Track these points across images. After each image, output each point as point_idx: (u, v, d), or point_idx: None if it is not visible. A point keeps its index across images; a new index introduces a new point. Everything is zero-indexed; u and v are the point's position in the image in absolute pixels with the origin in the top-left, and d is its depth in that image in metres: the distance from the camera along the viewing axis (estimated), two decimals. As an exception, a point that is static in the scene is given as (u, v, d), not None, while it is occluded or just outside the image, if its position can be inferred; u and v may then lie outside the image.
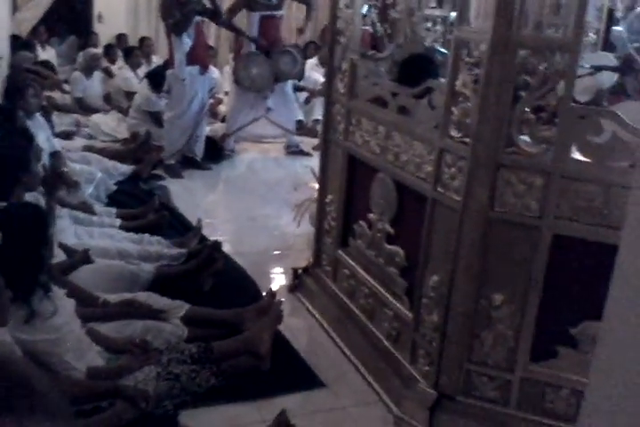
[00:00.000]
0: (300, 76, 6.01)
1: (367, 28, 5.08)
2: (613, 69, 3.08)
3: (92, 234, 3.54)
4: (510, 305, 2.16)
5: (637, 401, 0.99)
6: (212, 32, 8.13)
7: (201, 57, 5.26)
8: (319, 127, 4.60)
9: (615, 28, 3.50)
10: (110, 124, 6.24)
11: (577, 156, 1.94)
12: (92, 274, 2.99)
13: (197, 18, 5.07)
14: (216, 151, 5.80)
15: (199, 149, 5.54)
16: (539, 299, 2.10)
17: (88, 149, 5.30)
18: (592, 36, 3.58)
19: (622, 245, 1.01)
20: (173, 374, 2.35)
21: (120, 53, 7.44)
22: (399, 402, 2.44)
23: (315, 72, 6.90)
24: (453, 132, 2.11)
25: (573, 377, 2.06)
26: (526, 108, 1.91)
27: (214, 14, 5.20)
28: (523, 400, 2.22)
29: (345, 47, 2.74)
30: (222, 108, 6.83)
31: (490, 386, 2.27)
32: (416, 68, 2.61)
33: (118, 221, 3.86)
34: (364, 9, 5.26)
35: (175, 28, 4.96)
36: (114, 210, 4.08)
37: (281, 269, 3.65)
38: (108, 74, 7.12)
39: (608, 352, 1.06)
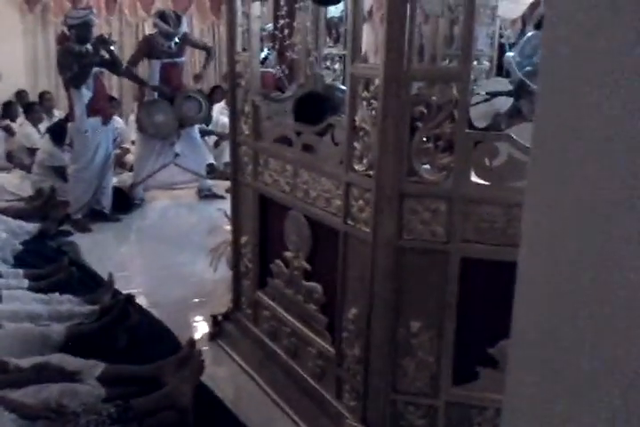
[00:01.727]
0: (206, 120, 6.02)
1: (270, 70, 5.20)
2: (508, 94, 3.24)
3: (-2, 297, 3.37)
4: (428, 331, 2.18)
5: (552, 413, 1.00)
6: (115, 82, 8.06)
7: (102, 108, 5.19)
8: (230, 170, 4.62)
9: (507, 53, 3.69)
10: (14, 183, 6.04)
11: (477, 179, 2.01)
12: (1, 339, 2.85)
13: (96, 69, 5.03)
14: (125, 202, 5.69)
15: (107, 201, 5.42)
16: (455, 322, 2.14)
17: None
18: (486, 63, 3.75)
19: (520, 260, 1.04)
20: (93, 437, 2.23)
21: (20, 110, 7.25)
22: (329, 441, 2.40)
23: (223, 116, 6.94)
24: (357, 166, 2.15)
25: (496, 397, 2.08)
26: (424, 138, 1.97)
27: (113, 65, 5.16)
28: (450, 425, 2.22)
29: (246, 90, 2.77)
30: (130, 158, 6.73)
31: (416, 414, 2.27)
32: (309, 106, 2.66)
33: (26, 282, 3.70)
34: (265, 52, 5.39)
35: (73, 80, 4.89)
36: (21, 271, 3.91)
37: (201, 318, 3.57)
38: (9, 132, 6.92)
39: (519, 368, 1.08)
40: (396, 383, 2.27)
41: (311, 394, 2.60)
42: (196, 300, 3.82)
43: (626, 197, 0.79)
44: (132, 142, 6.90)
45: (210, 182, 6.20)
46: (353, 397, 2.39)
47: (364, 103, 2.04)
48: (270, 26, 5.16)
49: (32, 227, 4.79)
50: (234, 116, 2.91)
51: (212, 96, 6.98)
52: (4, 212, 5.00)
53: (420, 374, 2.24)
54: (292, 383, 2.72)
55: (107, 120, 5.29)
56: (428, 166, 2.05)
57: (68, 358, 2.69)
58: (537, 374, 1.02)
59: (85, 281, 3.94)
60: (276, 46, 4.30)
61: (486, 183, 2.00)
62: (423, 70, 2.01)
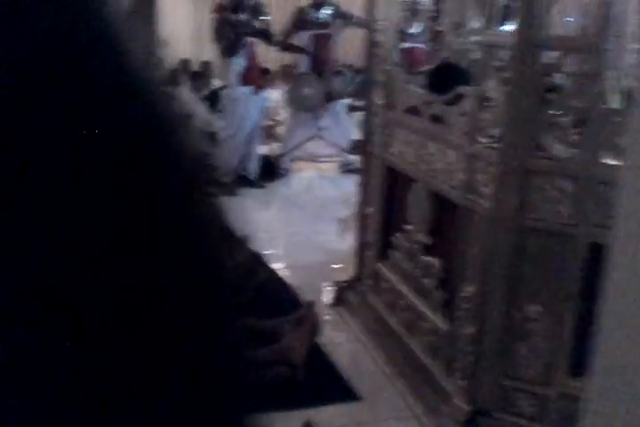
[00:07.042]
0: (355, 95, 6.04)
1: (419, 45, 5.12)
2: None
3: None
4: (546, 317, 2.08)
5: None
6: (272, 55, 8.29)
7: (254, 77, 5.37)
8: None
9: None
10: (171, 146, 6.45)
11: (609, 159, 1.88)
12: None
13: (249, 39, 5.20)
14: (271, 170, 5.90)
15: (253, 168, 5.64)
16: (576, 311, 2.02)
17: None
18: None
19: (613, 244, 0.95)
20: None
21: (184, 78, 7.68)
22: (433, 417, 2.38)
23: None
24: (483, 138, 2.08)
25: (610, 392, 1.96)
26: (555, 112, 1.87)
27: (265, 35, 5.31)
28: (560, 416, 2.12)
29: (382, 59, 2.76)
30: (280, 130, 6.94)
31: (526, 402, 2.19)
32: (444, 76, 2.60)
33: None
34: (418, 27, 5.30)
35: (227, 50, 5.09)
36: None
37: (325, 284, 3.64)
38: (172, 97, 7.37)
39: (605, 358, 1.01)
40: (507, 368, 2.20)
41: (422, 369, 2.59)
42: (323, 267, 3.90)
43: None
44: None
45: (352, 157, 6.25)
46: (462, 377, 2.35)
47: (495, 73, 1.96)
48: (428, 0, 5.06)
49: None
50: (370, 85, 2.91)
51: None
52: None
53: (533, 362, 2.15)
54: (404, 356, 2.72)
55: (257, 90, 5.47)
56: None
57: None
58: (625, 361, 0.95)
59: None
60: (427, 20, 4.23)
61: (619, 163, 1.85)
62: (558, 39, 1.89)
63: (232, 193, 5.39)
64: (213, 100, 5.97)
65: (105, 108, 0.29)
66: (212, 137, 6.02)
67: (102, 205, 0.29)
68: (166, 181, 0.32)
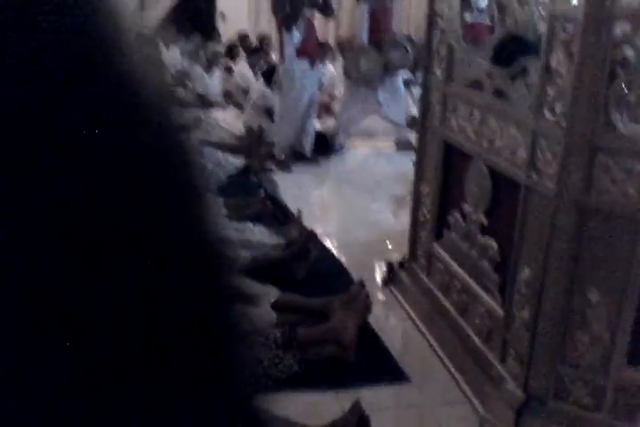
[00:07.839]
0: (413, 68, 5.90)
1: (483, 21, 4.93)
2: None
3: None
4: (607, 304, 1.98)
5: None
6: (330, 28, 8.19)
7: (311, 51, 5.29)
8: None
9: None
10: (228, 120, 6.46)
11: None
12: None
13: (307, 12, 5.11)
14: (326, 147, 5.84)
15: (308, 144, 5.59)
16: (637, 298, 1.92)
17: (203, 142, 5.49)
18: None
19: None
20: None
21: (242, 53, 7.66)
22: (485, 402, 2.32)
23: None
24: (548, 114, 1.97)
25: (674, 384, 1.86)
26: (624, 87, 1.74)
27: (325, 7, 5.21)
28: (617, 407, 2.03)
29: (443, 31, 2.64)
30: (337, 105, 6.86)
31: (583, 391, 2.10)
32: (509, 49, 2.47)
33: (224, 211, 3.97)
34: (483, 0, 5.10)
35: (285, 22, 5.02)
36: (222, 200, 4.19)
37: (377, 263, 3.59)
38: (229, 72, 7.37)
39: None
40: (564, 355, 2.11)
41: (474, 353, 2.52)
42: (376, 246, 3.85)
43: None
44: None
45: (409, 134, 6.13)
46: (517, 362, 2.27)
47: (562, 45, 1.84)
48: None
49: (238, 162, 5.11)
50: (428, 58, 2.80)
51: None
52: (216, 146, 5.38)
53: (591, 349, 2.06)
54: (456, 339, 2.65)
55: (314, 63, 5.39)
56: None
57: (247, 282, 2.85)
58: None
59: (278, 216, 4.14)
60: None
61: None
62: (629, 10, 1.75)
63: (287, 169, 5.37)
64: (270, 74, 5.91)
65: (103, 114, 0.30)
66: (268, 112, 6.00)
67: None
68: (165, 187, 0.33)
